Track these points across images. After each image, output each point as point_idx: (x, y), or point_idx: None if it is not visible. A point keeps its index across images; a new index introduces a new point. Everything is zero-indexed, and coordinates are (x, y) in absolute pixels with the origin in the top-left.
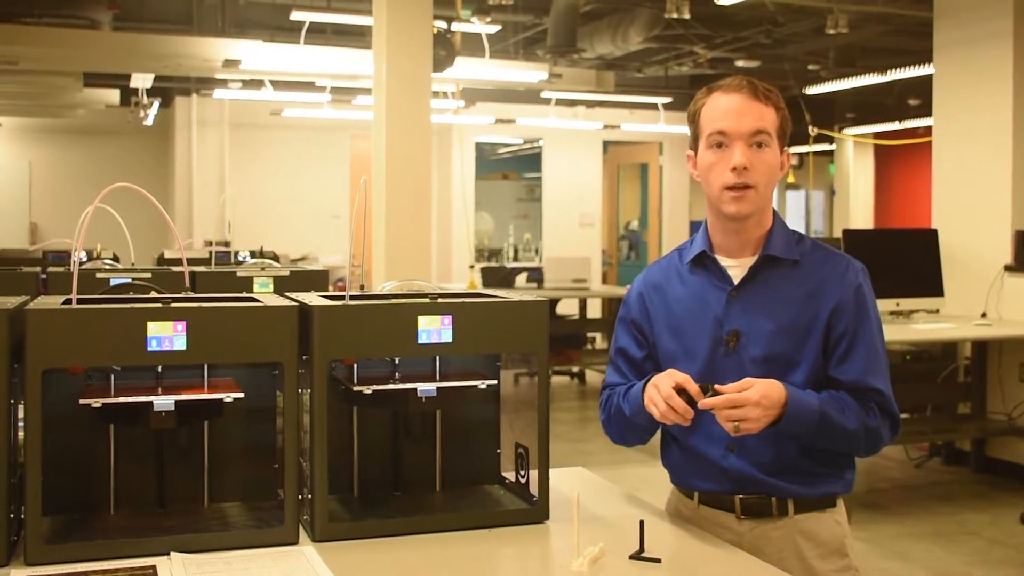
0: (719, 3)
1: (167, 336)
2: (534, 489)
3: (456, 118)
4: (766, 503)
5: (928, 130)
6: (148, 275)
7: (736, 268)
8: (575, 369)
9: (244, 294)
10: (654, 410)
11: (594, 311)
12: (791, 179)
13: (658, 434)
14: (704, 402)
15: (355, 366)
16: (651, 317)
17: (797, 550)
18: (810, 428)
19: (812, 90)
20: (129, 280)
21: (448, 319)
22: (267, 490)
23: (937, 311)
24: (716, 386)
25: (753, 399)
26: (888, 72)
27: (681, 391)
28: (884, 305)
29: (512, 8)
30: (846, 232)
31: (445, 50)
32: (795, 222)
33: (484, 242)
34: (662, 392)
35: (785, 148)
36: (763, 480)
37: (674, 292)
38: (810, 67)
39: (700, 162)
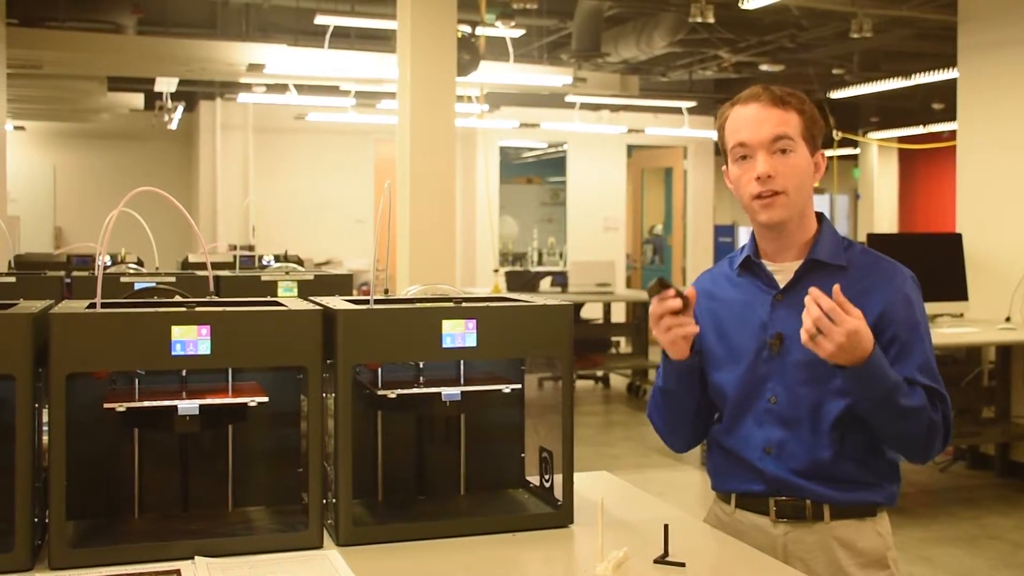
0: (743, 7)
1: (191, 340)
2: (558, 493)
3: (480, 122)
4: (800, 505)
5: (952, 134)
6: (172, 279)
7: (782, 273)
8: (599, 373)
9: (268, 298)
10: (661, 339)
11: (618, 315)
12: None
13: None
14: (813, 292)
15: (379, 370)
16: (698, 322)
17: (833, 557)
18: (877, 396)
19: (836, 94)
20: (153, 284)
21: (472, 323)
22: (291, 494)
23: (961, 315)
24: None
25: (848, 324)
26: (912, 76)
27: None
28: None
29: (536, 12)
30: (870, 236)
31: (469, 54)
32: None
33: (508, 246)
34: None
35: (818, 150)
36: (798, 483)
37: (722, 297)
38: (834, 71)
39: (730, 175)
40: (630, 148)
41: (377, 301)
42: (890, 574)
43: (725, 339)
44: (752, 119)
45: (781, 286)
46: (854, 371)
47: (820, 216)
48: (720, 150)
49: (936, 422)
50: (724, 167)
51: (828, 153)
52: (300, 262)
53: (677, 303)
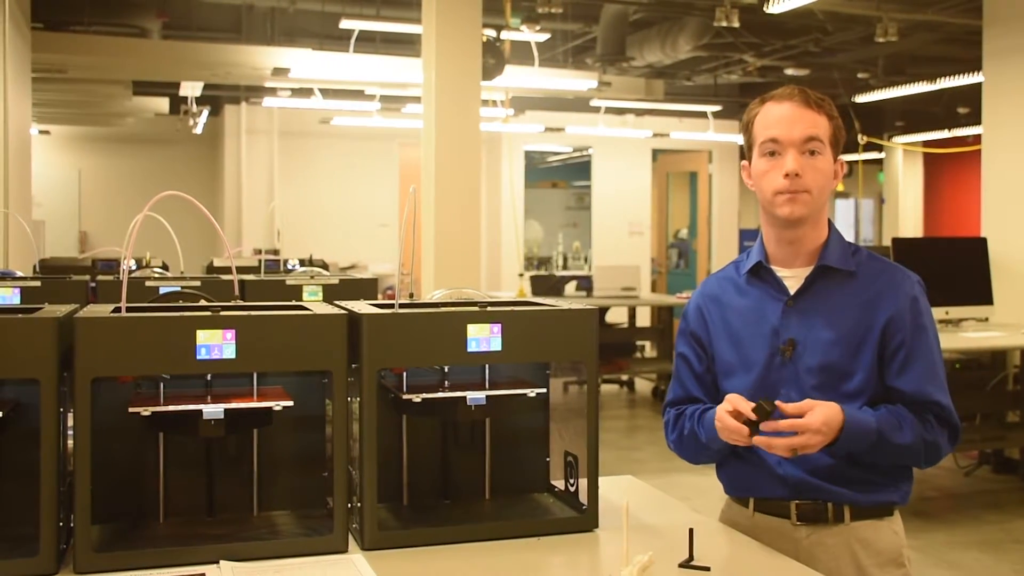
0: (768, 11)
1: (216, 344)
2: (583, 497)
3: (505, 126)
4: (822, 508)
5: (977, 139)
6: (197, 283)
7: (792, 279)
8: (624, 377)
9: (293, 302)
10: (724, 436)
11: (643, 319)
12: (840, 187)
13: None
14: (767, 425)
15: (404, 374)
16: (709, 328)
17: (854, 558)
18: (866, 447)
19: (861, 98)
20: (178, 288)
21: (497, 327)
22: (316, 498)
23: (986, 319)
24: (777, 403)
25: (814, 426)
26: (937, 80)
27: (738, 413)
28: (934, 314)
29: (561, 17)
30: (895, 240)
31: (494, 58)
32: (844, 230)
33: (533, 250)
34: (718, 418)
35: (839, 157)
36: (818, 485)
37: (731, 303)
38: (859, 75)
39: (754, 170)
40: (655, 152)
41: (402, 305)
42: (905, 572)
43: (736, 346)
44: (786, 117)
45: (791, 292)
46: (839, 441)
47: (829, 223)
48: (744, 144)
49: (934, 442)
50: (744, 162)
51: (853, 157)
52: (325, 266)
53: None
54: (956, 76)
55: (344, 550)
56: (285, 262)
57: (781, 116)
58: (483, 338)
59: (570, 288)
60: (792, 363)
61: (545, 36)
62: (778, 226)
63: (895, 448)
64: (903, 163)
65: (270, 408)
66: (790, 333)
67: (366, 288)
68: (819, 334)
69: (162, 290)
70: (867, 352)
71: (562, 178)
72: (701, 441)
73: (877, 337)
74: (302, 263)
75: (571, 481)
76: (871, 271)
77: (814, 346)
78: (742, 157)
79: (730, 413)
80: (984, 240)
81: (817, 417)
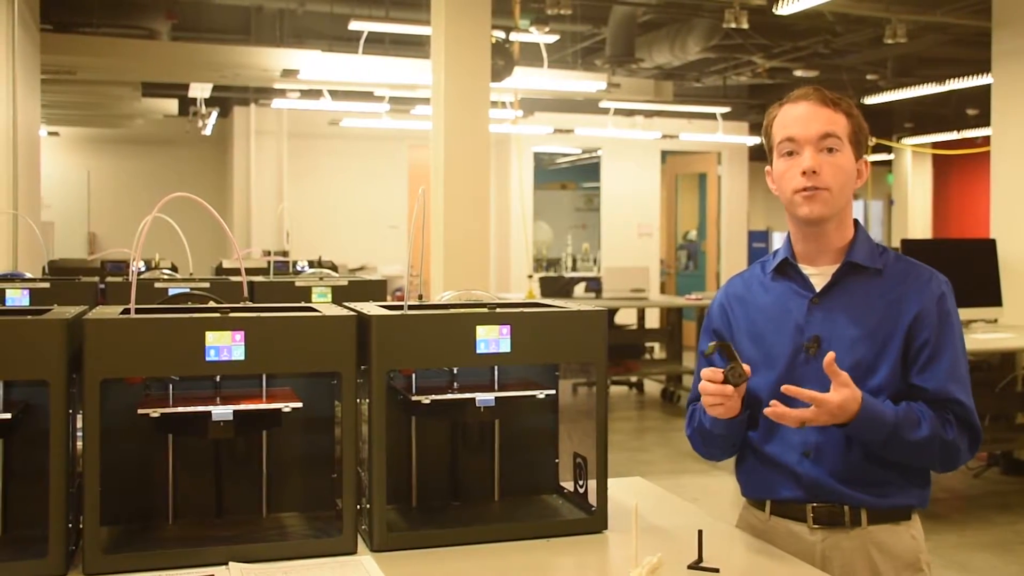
0: (777, 13)
1: (225, 346)
2: (592, 499)
3: (514, 128)
4: (838, 512)
5: (986, 140)
6: (206, 285)
7: (818, 276)
8: (633, 379)
9: (302, 304)
10: (710, 410)
11: (652, 321)
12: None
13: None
14: (788, 389)
15: (413, 376)
16: (732, 326)
17: (870, 562)
18: (880, 439)
19: (870, 100)
20: (187, 290)
21: (506, 329)
22: (325, 500)
23: (995, 321)
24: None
25: (832, 403)
26: (946, 82)
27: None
28: None
29: (570, 18)
30: (904, 242)
31: (503, 60)
32: None
33: (542, 252)
34: (701, 391)
35: (863, 156)
36: (836, 488)
37: (756, 301)
38: (868, 77)
39: (774, 172)
40: (664, 154)
41: (411, 307)
42: None
43: (760, 343)
44: (802, 116)
45: (817, 289)
46: (850, 426)
47: (856, 223)
48: (765, 149)
49: (951, 442)
50: (767, 167)
51: None
52: (334, 268)
53: (728, 389)
54: (965, 78)
55: (353, 551)
56: (294, 264)
57: (797, 116)
58: (492, 339)
59: (579, 289)
60: (816, 360)
61: (554, 37)
62: (802, 224)
63: (910, 444)
64: (912, 165)
65: (279, 409)
66: (814, 330)
67: (375, 289)
68: (844, 331)
69: (171, 291)
70: (892, 350)
71: (571, 179)
72: (706, 428)
73: (903, 335)
74: (311, 264)
75: (580, 482)
76: (898, 270)
77: (839, 343)
78: (751, 159)
79: (705, 378)
80: (993, 241)
81: (836, 398)
